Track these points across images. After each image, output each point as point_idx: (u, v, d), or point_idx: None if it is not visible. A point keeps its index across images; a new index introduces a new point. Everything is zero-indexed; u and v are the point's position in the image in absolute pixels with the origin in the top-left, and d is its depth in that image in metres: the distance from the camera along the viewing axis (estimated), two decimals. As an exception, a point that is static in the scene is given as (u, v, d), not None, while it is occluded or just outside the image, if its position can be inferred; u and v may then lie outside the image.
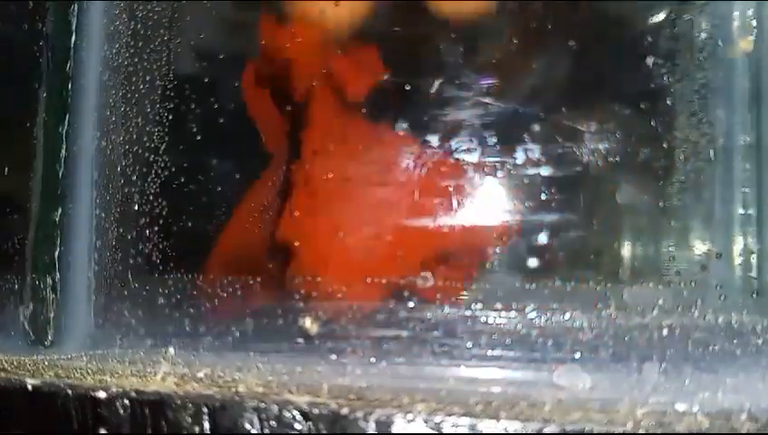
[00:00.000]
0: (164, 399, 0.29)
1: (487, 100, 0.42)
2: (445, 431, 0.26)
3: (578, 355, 0.33)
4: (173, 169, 0.44)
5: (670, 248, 0.45)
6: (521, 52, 0.43)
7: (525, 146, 0.41)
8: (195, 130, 0.46)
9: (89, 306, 0.40)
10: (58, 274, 0.40)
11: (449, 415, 0.26)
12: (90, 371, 0.34)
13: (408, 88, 0.41)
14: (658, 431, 0.25)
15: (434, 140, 0.41)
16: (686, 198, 0.46)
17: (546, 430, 0.26)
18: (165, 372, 0.32)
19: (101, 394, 0.29)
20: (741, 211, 0.46)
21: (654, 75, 0.45)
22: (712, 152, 0.45)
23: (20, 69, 0.45)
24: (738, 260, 0.44)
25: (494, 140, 0.42)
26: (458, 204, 0.41)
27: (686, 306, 0.37)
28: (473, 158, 0.41)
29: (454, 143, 0.41)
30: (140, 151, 0.44)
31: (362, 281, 0.38)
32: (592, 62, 0.45)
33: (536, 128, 0.41)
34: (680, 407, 0.28)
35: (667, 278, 0.41)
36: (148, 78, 0.44)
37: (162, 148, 0.45)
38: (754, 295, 0.41)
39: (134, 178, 0.43)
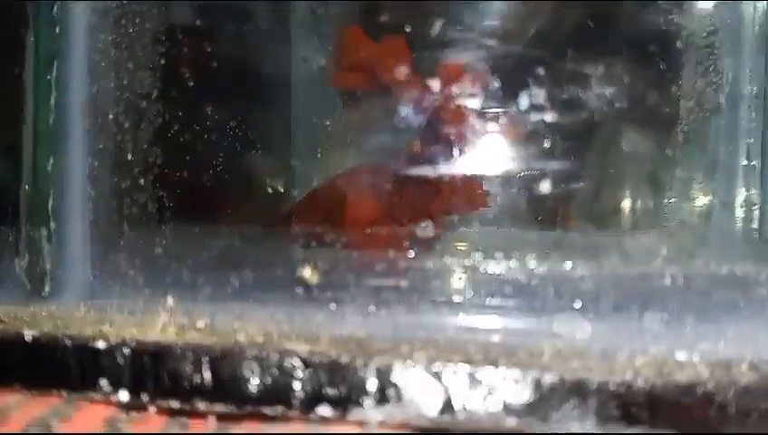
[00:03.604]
0: (164, 348, 0.29)
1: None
2: (444, 378, 0.26)
3: (578, 304, 0.33)
4: (166, 117, 0.43)
5: (673, 198, 0.45)
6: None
7: (529, 91, 0.40)
8: (188, 76, 0.44)
9: (86, 257, 0.40)
10: (53, 224, 0.39)
11: (448, 362, 0.26)
12: (88, 321, 0.34)
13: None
14: (657, 380, 0.25)
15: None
16: (690, 147, 0.45)
17: (545, 377, 0.26)
18: (164, 322, 0.32)
19: (101, 344, 0.29)
20: (744, 162, 0.45)
21: (660, 21, 0.44)
22: (719, 101, 0.44)
23: (5, 13, 0.44)
24: (741, 210, 0.44)
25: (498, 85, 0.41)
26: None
27: (688, 256, 0.37)
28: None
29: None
30: (132, 98, 0.43)
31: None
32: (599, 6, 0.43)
33: (541, 72, 0.40)
34: (680, 356, 0.28)
35: (669, 227, 0.40)
36: (137, 21, 0.43)
37: (154, 94, 0.43)
38: (757, 245, 0.41)
39: (126, 125, 0.42)
